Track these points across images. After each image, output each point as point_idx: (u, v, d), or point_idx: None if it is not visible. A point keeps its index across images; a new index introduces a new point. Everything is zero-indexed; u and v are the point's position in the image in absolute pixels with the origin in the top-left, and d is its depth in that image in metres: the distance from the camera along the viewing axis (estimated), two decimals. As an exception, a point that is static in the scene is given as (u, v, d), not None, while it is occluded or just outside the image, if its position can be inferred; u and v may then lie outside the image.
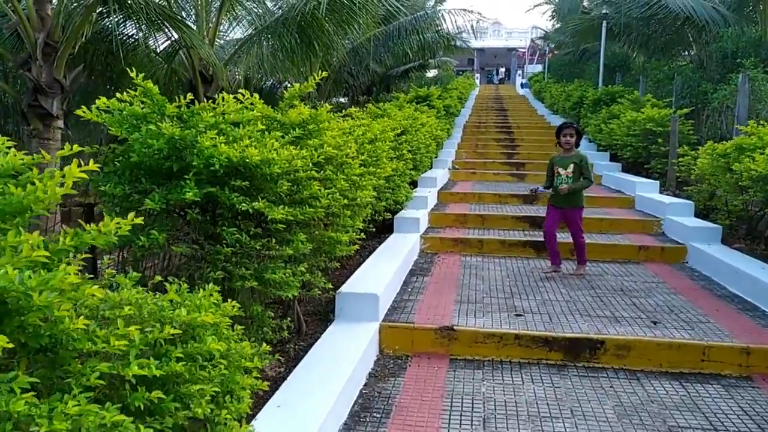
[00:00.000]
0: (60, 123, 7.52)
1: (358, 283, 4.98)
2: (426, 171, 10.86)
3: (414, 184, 9.64)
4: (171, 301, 2.07)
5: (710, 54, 13.67)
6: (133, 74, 3.19)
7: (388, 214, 6.71)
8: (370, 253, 6.49)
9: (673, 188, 9.77)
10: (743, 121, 9.43)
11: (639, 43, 17.26)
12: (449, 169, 12.37)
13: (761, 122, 7.01)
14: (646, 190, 9.57)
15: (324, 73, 4.28)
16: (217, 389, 1.87)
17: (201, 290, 2.25)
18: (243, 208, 3.02)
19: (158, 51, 11.14)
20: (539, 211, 8.75)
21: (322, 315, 4.95)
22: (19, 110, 7.43)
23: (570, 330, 4.59)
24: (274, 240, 3.16)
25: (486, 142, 15.18)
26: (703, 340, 4.42)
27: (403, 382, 4.07)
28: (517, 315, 4.94)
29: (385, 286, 4.95)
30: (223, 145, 3.00)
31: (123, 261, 4.39)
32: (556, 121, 18.40)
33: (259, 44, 11.24)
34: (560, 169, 6.19)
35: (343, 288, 4.77)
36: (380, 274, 5.26)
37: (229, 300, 2.22)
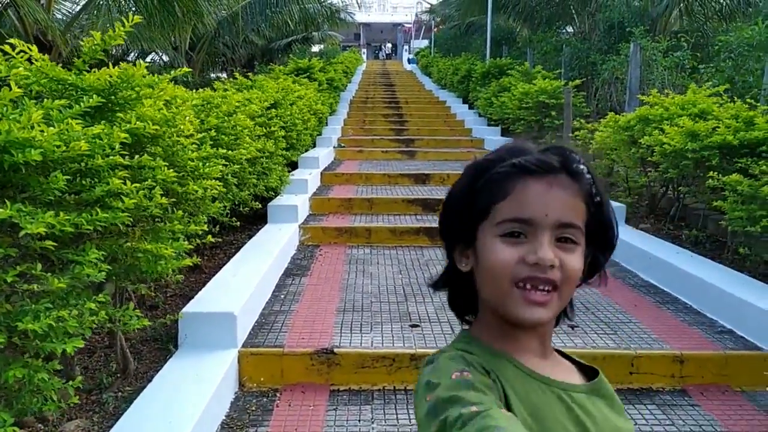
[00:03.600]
0: None
1: (210, 297, 3.89)
2: (307, 150, 9.79)
3: (294, 166, 8.56)
4: None
5: (596, 24, 13.39)
6: None
7: (258, 203, 5.61)
8: (238, 249, 5.39)
9: (569, 164, 9.27)
10: (636, 92, 9.04)
11: (524, 17, 16.92)
12: (334, 147, 11.34)
13: (666, 92, 6.49)
14: (541, 166, 8.97)
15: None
16: None
17: None
18: (-23, 220, 1.87)
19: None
20: (432, 192, 7.94)
21: (165, 341, 3.82)
22: None
23: (476, 343, 3.74)
24: (40, 265, 2.03)
25: (374, 118, 14.28)
26: (630, 348, 3.71)
27: (267, 435, 3.06)
28: (412, 326, 4.04)
29: (247, 299, 3.89)
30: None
31: None
32: (444, 95, 17.80)
33: (108, 6, 9.67)
34: None
35: (188, 307, 3.66)
36: (242, 283, 4.19)
37: None
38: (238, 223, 5.17)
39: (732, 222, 4.57)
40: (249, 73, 12.35)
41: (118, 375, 3.30)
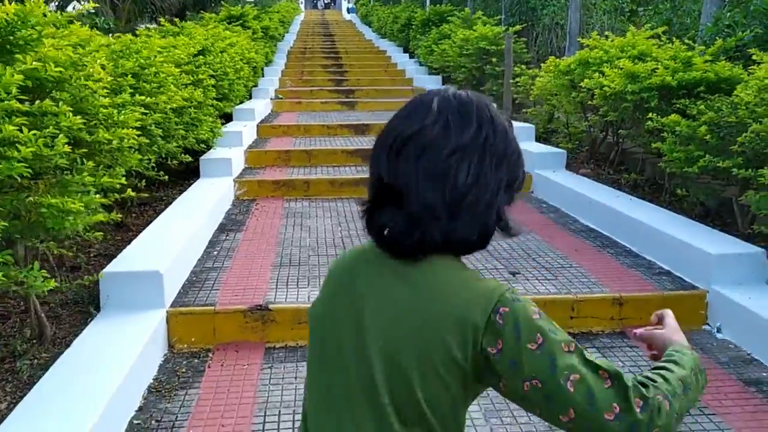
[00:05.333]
0: None
1: (134, 255, 3.66)
2: (242, 102, 9.41)
3: (228, 118, 8.20)
4: None
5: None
6: None
7: (188, 156, 5.33)
8: (168, 205, 5.12)
9: (510, 111, 9.19)
10: (576, 37, 8.98)
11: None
12: (272, 99, 10.97)
13: (606, 35, 6.42)
14: (482, 114, 8.87)
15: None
16: None
17: None
18: None
19: None
20: (372, 143, 7.73)
21: (87, 304, 3.58)
22: None
23: (417, 293, 3.64)
24: None
25: (312, 69, 13.85)
26: (571, 292, 3.69)
27: (198, 396, 2.91)
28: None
29: (176, 257, 3.68)
30: None
31: None
32: (385, 45, 17.43)
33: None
34: None
35: (110, 267, 3.43)
36: (170, 240, 3.96)
37: None
38: (167, 177, 4.89)
39: (670, 163, 4.57)
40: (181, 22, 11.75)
41: (34, 341, 3.07)
